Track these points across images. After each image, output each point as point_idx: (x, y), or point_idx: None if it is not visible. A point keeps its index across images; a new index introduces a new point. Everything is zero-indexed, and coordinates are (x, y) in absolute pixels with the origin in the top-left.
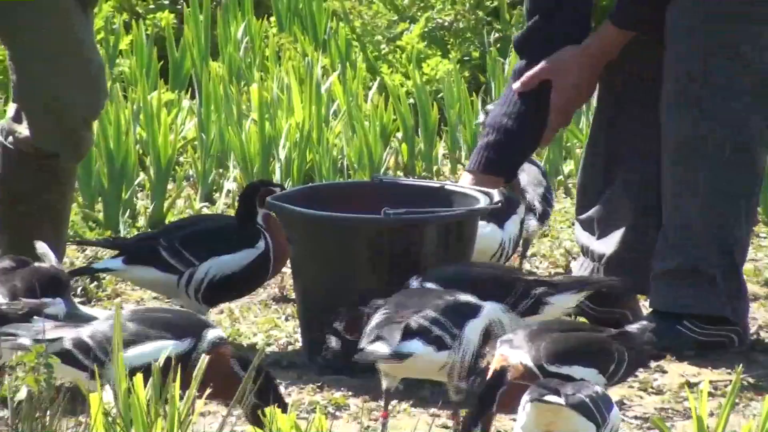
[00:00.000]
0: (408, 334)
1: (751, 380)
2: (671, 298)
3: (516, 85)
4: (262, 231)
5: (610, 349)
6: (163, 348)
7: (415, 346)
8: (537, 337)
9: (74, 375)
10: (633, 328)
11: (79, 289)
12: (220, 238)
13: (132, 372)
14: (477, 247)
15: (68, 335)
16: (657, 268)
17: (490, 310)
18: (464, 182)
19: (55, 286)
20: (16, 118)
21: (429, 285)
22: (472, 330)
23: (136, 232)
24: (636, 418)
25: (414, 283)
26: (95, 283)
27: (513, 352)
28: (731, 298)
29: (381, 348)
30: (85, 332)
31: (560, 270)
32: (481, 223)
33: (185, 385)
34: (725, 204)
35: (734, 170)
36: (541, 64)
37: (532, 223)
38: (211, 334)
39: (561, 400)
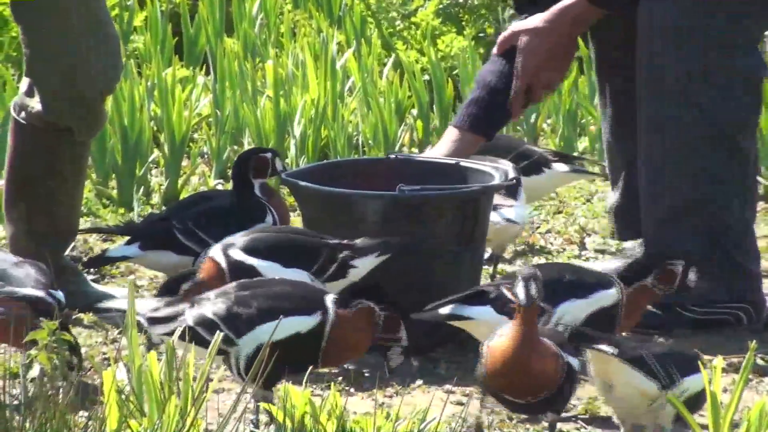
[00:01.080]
0: None
1: (764, 357)
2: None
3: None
4: (266, 204)
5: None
6: (295, 323)
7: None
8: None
9: (198, 353)
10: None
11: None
12: (231, 216)
13: (267, 347)
14: (507, 232)
15: (190, 313)
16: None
17: None
18: (448, 137)
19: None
20: (29, 93)
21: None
22: None
23: (150, 210)
24: None
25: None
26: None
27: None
28: (724, 278)
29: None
30: (207, 309)
31: (575, 246)
32: (505, 210)
33: (332, 361)
34: (713, 193)
35: (725, 161)
36: (513, 25)
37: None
38: (329, 302)
39: (611, 350)
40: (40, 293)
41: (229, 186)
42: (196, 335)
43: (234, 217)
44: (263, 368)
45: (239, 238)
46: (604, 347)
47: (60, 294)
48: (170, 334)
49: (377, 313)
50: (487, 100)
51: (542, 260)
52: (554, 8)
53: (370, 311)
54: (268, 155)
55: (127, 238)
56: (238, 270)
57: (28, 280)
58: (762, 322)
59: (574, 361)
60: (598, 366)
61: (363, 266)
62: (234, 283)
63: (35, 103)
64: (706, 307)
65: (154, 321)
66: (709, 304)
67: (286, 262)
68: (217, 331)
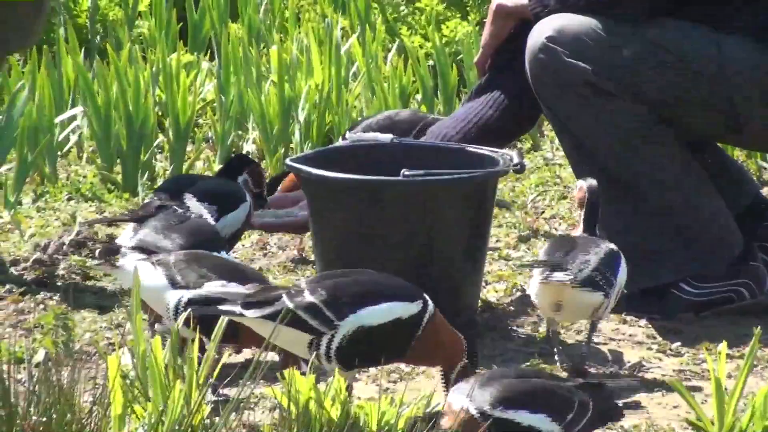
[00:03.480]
0: None
1: None
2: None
3: None
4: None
5: (569, 398)
6: (397, 308)
7: None
8: (487, 384)
9: (293, 337)
10: (607, 382)
11: (97, 251)
12: (224, 199)
13: (366, 331)
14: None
15: (289, 296)
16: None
17: None
18: None
19: (215, 242)
20: None
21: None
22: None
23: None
24: (654, 379)
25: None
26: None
27: (458, 398)
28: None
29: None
30: (307, 293)
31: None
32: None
33: (417, 356)
34: (667, 193)
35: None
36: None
37: None
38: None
39: (567, 278)
40: None
41: None
42: (296, 318)
43: (225, 197)
44: (357, 351)
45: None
46: (560, 276)
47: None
48: (267, 317)
49: None
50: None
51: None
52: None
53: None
54: (260, 169)
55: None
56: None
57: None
58: (767, 295)
59: None
60: (551, 293)
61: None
62: (325, 273)
63: None
64: (702, 288)
65: (249, 305)
66: (706, 284)
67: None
68: (315, 315)
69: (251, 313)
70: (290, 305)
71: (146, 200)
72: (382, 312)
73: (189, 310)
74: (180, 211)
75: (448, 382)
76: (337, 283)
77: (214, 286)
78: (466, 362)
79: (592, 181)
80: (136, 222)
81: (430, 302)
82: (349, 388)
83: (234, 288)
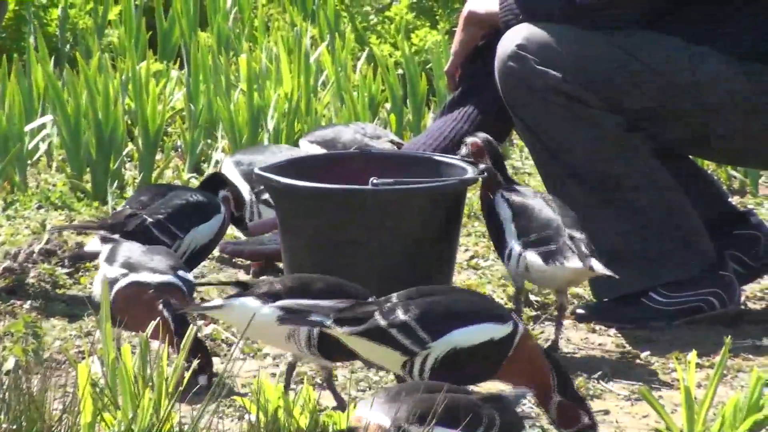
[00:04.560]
0: None
1: (739, 352)
2: (607, 285)
3: None
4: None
5: (478, 411)
6: (489, 330)
7: None
8: (397, 399)
9: (385, 354)
10: (509, 393)
11: (66, 260)
12: (196, 210)
13: (458, 353)
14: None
15: (381, 314)
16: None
17: None
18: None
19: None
20: None
21: None
22: None
23: (123, 203)
24: (623, 389)
25: None
26: (67, 255)
27: (371, 414)
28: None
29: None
30: (400, 311)
31: None
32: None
33: (508, 375)
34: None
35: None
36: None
37: None
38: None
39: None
40: (169, 278)
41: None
42: (388, 336)
43: (198, 209)
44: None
45: None
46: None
47: (190, 276)
48: (358, 334)
49: None
50: None
51: None
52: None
53: None
54: (247, 200)
55: (101, 233)
56: None
57: (157, 265)
58: (736, 304)
59: None
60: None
61: None
62: (414, 289)
63: None
64: (672, 297)
65: (341, 321)
66: (676, 293)
67: None
68: (405, 334)
69: (344, 329)
70: (382, 323)
71: (117, 209)
72: (475, 333)
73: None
74: (149, 221)
75: (544, 404)
76: (429, 302)
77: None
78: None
79: (483, 134)
80: (106, 230)
81: (520, 323)
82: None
83: (328, 303)
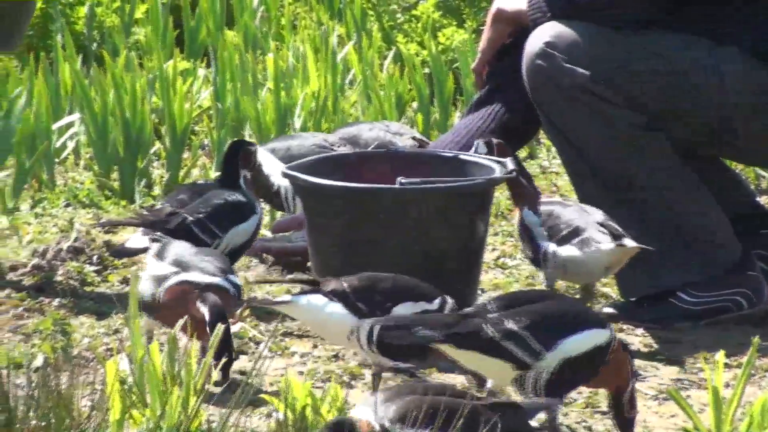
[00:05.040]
0: None
1: (766, 351)
2: (639, 280)
3: None
4: (255, 198)
5: (476, 417)
6: (595, 336)
7: None
8: (393, 399)
9: (496, 366)
10: (527, 403)
11: (95, 258)
12: (235, 209)
13: (570, 361)
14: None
15: (493, 327)
16: None
17: None
18: None
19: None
20: None
21: None
22: None
23: (151, 201)
24: (651, 388)
25: None
26: (109, 251)
27: (364, 410)
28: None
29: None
30: (511, 323)
31: None
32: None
33: (599, 380)
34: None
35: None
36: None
37: None
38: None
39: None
40: (219, 280)
41: None
42: (500, 349)
43: (236, 209)
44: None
45: None
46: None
47: (237, 280)
48: (470, 348)
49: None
50: None
51: None
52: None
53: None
54: (253, 148)
55: (138, 230)
56: None
57: (208, 267)
58: (764, 303)
59: None
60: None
61: None
62: (509, 297)
63: None
64: (700, 297)
65: (452, 337)
66: (704, 293)
67: None
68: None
69: (455, 344)
70: (494, 335)
71: (156, 206)
72: (584, 341)
73: (381, 336)
74: (189, 220)
75: (617, 405)
76: (535, 311)
77: (404, 311)
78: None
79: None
80: (148, 227)
81: (612, 327)
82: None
83: (432, 316)
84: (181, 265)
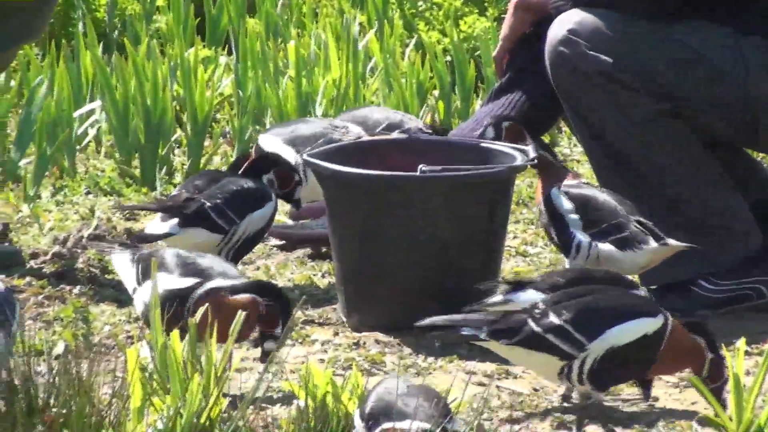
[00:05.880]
0: None
1: None
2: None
3: None
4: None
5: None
6: (642, 325)
7: None
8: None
9: (542, 361)
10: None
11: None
12: (251, 196)
13: (615, 351)
14: None
15: (536, 321)
16: None
17: None
18: None
19: None
20: None
21: None
22: None
23: (172, 189)
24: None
25: None
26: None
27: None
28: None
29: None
30: (553, 316)
31: None
32: None
33: (661, 369)
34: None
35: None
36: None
37: None
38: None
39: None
40: (244, 280)
41: None
42: (545, 342)
43: (252, 196)
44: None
45: None
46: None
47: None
48: (516, 344)
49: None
50: None
51: None
52: None
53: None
54: (295, 177)
55: (156, 215)
56: None
57: (228, 270)
58: None
59: None
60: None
61: None
62: (558, 292)
63: None
64: (720, 285)
65: (496, 333)
66: (724, 281)
67: None
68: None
69: (500, 341)
70: (537, 329)
71: (172, 193)
72: (629, 330)
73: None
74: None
75: (699, 372)
76: (580, 303)
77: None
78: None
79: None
80: (166, 212)
81: (668, 314)
82: None
83: (475, 315)
84: (202, 275)
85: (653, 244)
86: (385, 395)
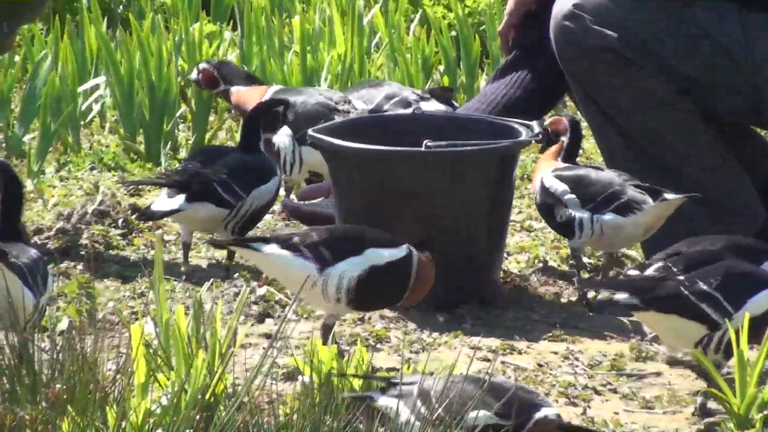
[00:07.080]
0: None
1: None
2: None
3: None
4: (271, 158)
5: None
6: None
7: None
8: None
9: (679, 326)
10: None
11: (120, 221)
12: (256, 170)
13: (753, 321)
14: None
15: (683, 286)
16: None
17: None
18: None
19: None
20: None
21: None
22: None
23: (177, 165)
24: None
25: None
26: (136, 214)
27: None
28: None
29: None
30: (702, 283)
31: None
32: None
33: None
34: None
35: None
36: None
37: None
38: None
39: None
40: None
41: None
42: (698, 311)
43: (257, 170)
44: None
45: None
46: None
47: None
48: (676, 311)
49: None
50: None
51: None
52: None
53: None
54: (280, 109)
55: (161, 191)
56: None
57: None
58: None
59: None
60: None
61: None
62: (688, 256)
63: None
64: None
65: (654, 302)
66: None
67: None
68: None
69: (654, 308)
70: (692, 299)
71: (179, 167)
72: (764, 299)
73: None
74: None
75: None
76: (724, 270)
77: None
78: None
79: (575, 117)
80: (173, 187)
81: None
82: None
83: (629, 280)
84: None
85: (651, 201)
86: (502, 389)
